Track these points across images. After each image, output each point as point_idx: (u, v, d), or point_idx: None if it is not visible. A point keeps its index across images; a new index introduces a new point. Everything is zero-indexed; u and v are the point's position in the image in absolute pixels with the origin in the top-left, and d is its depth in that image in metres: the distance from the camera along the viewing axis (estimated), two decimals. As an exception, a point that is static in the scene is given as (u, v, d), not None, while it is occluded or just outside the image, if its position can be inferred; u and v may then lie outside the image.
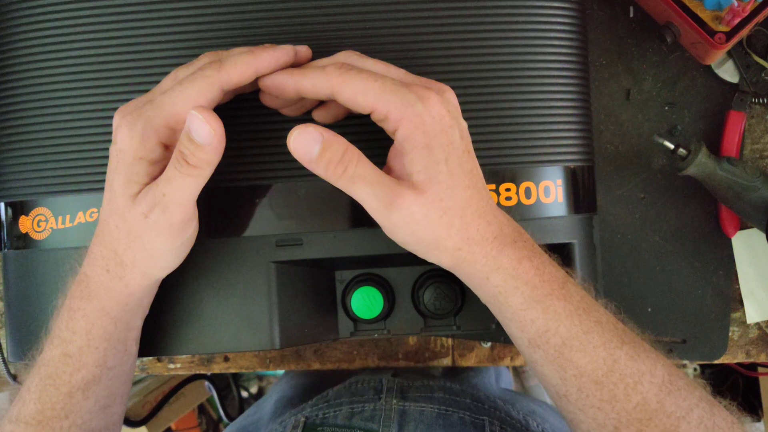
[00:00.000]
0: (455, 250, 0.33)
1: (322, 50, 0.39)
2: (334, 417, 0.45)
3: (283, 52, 0.34)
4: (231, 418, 1.17)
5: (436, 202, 0.32)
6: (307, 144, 0.31)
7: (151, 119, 0.32)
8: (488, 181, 0.39)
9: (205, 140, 0.30)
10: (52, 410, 0.35)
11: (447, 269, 0.35)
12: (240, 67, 0.33)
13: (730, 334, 0.54)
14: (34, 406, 0.35)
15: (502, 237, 0.34)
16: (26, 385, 0.36)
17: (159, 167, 0.33)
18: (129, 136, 0.32)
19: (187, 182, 0.32)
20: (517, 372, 1.29)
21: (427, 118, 0.32)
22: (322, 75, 0.33)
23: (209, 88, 0.32)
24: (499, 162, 0.38)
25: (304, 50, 0.36)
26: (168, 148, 0.33)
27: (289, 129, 0.39)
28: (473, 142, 0.39)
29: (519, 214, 0.39)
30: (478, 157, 0.39)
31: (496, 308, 0.35)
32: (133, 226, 0.33)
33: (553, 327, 0.33)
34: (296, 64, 0.36)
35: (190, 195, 0.33)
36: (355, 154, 0.32)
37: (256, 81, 0.37)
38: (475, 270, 0.34)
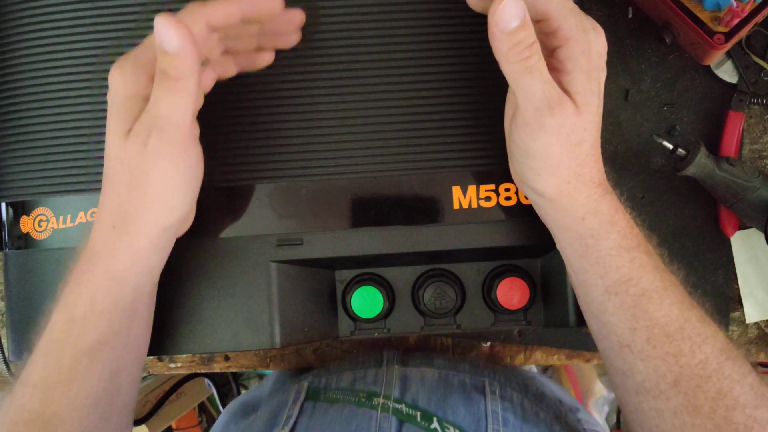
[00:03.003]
0: (565, 182, 0.34)
1: (319, 47, 0.39)
2: (336, 382, 0.46)
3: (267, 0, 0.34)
4: (231, 417, 1.17)
5: (581, 130, 0.33)
6: (511, 14, 0.31)
7: (138, 56, 0.32)
8: (488, 181, 0.40)
9: (176, 45, 0.30)
10: (58, 375, 0.34)
11: (545, 199, 0.36)
12: (224, 3, 0.33)
13: (729, 333, 0.54)
14: (41, 371, 0.34)
15: (605, 185, 0.36)
16: (35, 348, 0.35)
17: None
18: (120, 76, 0.32)
19: (175, 98, 0.31)
20: (517, 371, 1.29)
21: (594, 48, 0.33)
22: None
23: (194, 20, 0.32)
24: (500, 162, 0.38)
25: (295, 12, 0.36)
26: None
27: (290, 129, 0.39)
28: (477, 142, 0.39)
29: (519, 214, 0.39)
30: (479, 157, 0.40)
31: (581, 251, 0.36)
32: (133, 163, 0.32)
33: (636, 277, 0.35)
34: (284, 20, 0.36)
35: (183, 111, 0.32)
36: (540, 50, 0.32)
37: (265, 57, 0.37)
38: (573, 207, 0.35)
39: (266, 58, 0.38)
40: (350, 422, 0.39)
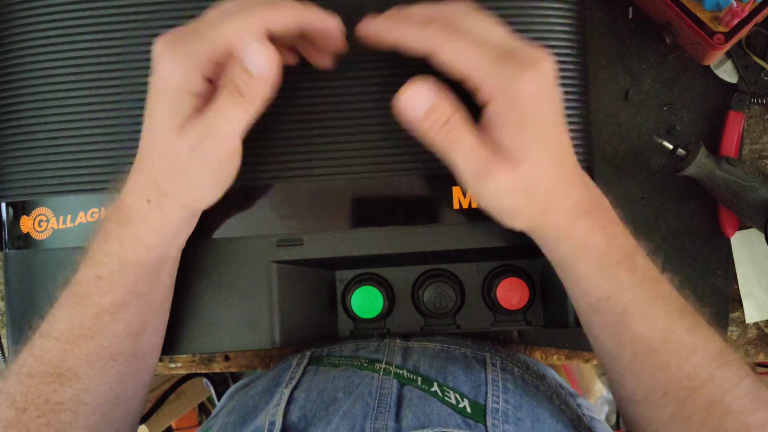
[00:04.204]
0: (530, 219, 0.35)
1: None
2: (339, 351, 0.46)
3: (331, 19, 0.34)
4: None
5: (524, 177, 0.33)
6: (416, 102, 0.31)
7: (196, 51, 0.31)
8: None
9: (262, 71, 0.30)
10: (80, 329, 0.35)
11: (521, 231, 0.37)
12: (289, 11, 0.32)
13: (729, 333, 0.54)
14: (64, 323, 0.35)
15: (579, 207, 0.35)
16: (58, 301, 0.36)
17: (202, 100, 0.33)
18: (173, 66, 0.32)
19: (238, 115, 0.32)
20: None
21: (522, 97, 0.32)
22: (425, 33, 0.33)
23: (257, 24, 0.31)
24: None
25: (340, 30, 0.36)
26: (210, 83, 0.33)
27: (290, 129, 0.39)
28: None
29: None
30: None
31: (562, 271, 0.37)
32: (179, 158, 0.33)
33: (615, 295, 0.35)
34: (329, 42, 0.36)
35: (240, 128, 0.32)
36: (460, 120, 0.32)
37: (298, 62, 0.37)
38: (547, 236, 0.36)
39: (291, 58, 0.38)
40: (353, 381, 0.39)
